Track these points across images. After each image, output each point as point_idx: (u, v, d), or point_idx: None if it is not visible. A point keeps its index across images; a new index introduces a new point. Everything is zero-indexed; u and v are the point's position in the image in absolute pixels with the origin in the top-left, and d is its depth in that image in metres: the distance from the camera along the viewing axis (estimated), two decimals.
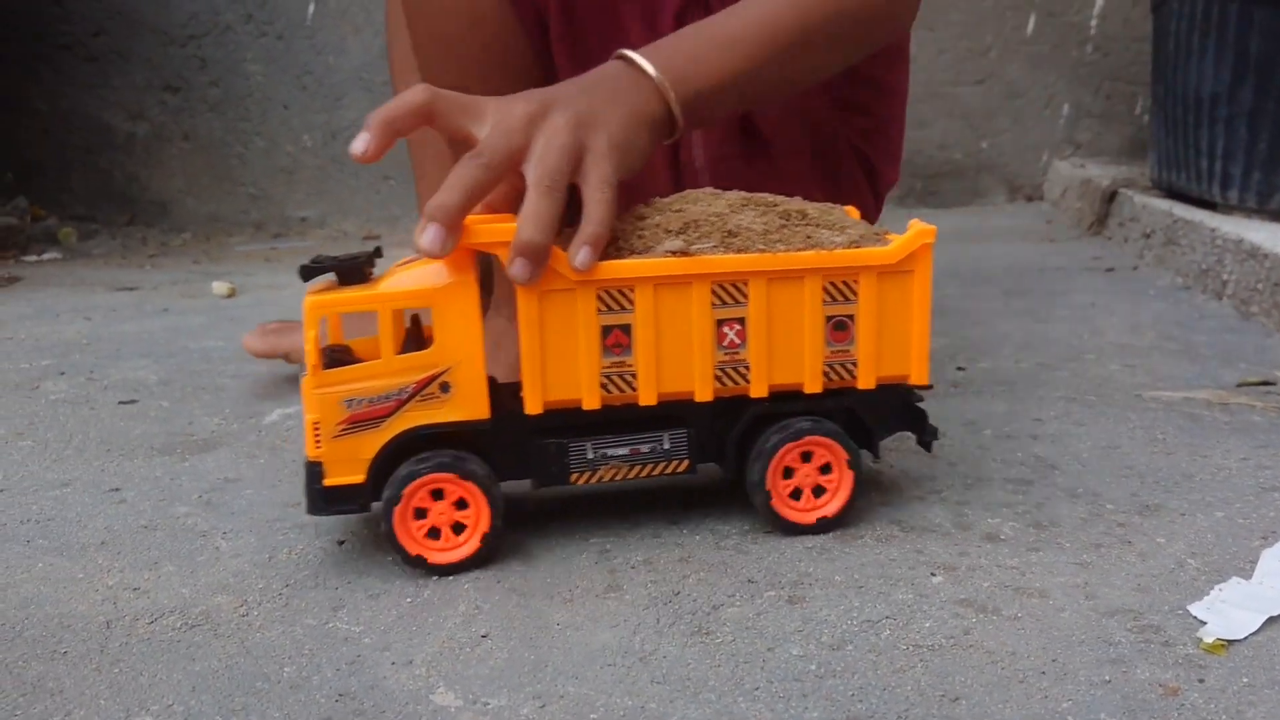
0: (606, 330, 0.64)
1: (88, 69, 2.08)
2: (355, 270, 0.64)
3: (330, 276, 0.64)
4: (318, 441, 0.62)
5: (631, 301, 0.63)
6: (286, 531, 0.71)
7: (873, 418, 0.68)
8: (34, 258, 1.82)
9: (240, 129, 2.11)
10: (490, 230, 0.61)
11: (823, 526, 0.67)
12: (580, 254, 0.61)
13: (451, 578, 0.64)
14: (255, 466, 0.83)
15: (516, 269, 0.60)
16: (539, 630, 0.57)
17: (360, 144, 0.61)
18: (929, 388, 0.69)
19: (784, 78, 0.74)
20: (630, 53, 0.68)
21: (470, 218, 0.61)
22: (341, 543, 0.69)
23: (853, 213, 0.74)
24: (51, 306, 1.44)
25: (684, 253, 0.63)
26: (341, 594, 0.62)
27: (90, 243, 1.97)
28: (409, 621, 0.59)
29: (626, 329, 0.64)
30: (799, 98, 0.92)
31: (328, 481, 0.63)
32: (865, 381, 0.67)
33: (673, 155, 0.92)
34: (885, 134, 1.01)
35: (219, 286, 1.53)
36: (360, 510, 0.64)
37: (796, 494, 0.67)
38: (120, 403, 1.01)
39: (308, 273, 0.63)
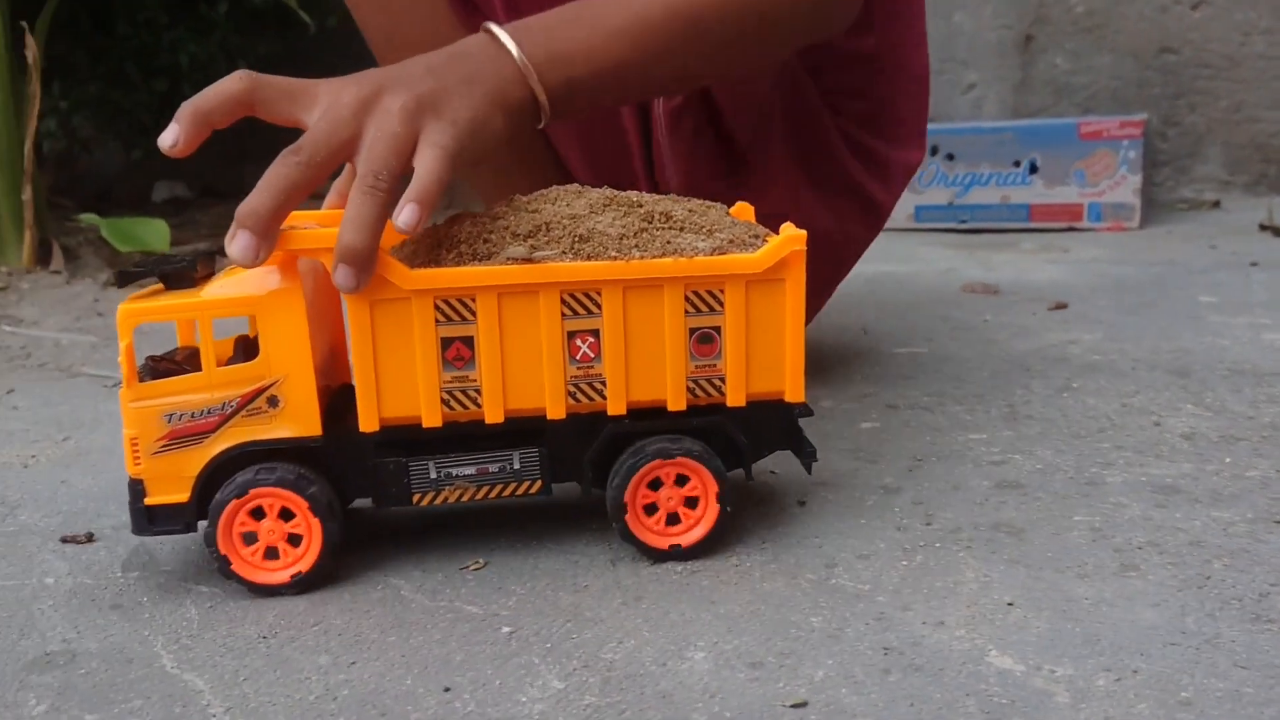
0: (446, 342, 0.59)
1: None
2: (181, 275, 0.59)
3: (154, 281, 0.60)
4: (137, 458, 0.59)
5: (473, 312, 0.59)
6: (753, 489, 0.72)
7: (745, 437, 0.63)
8: None
9: None
10: (308, 236, 0.57)
11: (678, 554, 0.62)
12: (403, 212, 0.55)
13: (939, 545, 0.63)
14: None
15: (339, 277, 0.55)
16: (1067, 603, 0.56)
17: (169, 136, 0.56)
18: (806, 408, 0.64)
19: (676, 72, 0.68)
20: (494, 27, 0.62)
21: (292, 221, 0.56)
22: (802, 502, 0.70)
23: (744, 211, 0.69)
24: None
25: (527, 259, 0.58)
26: (830, 552, 0.63)
27: None
28: (916, 583, 0.58)
29: (469, 341, 0.59)
30: (777, 96, 0.86)
31: (150, 500, 0.59)
32: (735, 398, 0.62)
33: (649, 178, 0.86)
34: (893, 114, 0.94)
35: None
36: (185, 530, 0.60)
37: (652, 511, 0.62)
38: None
39: (125, 278, 0.59)
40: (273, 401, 0.59)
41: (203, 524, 0.60)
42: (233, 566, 0.59)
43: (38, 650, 0.55)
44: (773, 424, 0.64)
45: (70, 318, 1.44)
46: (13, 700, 0.50)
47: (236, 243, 0.54)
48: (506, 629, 0.55)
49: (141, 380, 0.58)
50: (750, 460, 0.64)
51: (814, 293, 0.96)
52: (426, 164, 0.56)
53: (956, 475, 0.74)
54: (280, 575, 0.60)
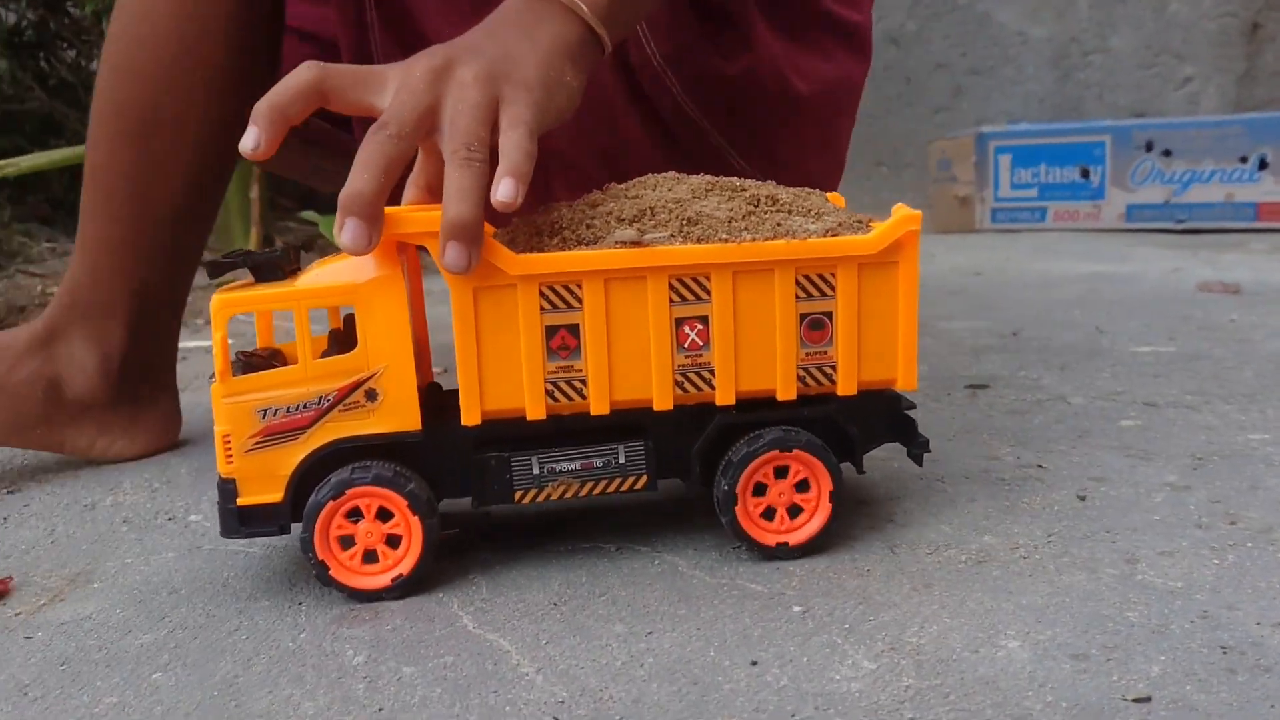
0: (551, 330, 0.57)
1: None
2: (272, 265, 0.57)
3: (244, 273, 0.58)
4: (229, 456, 0.56)
5: (579, 298, 0.57)
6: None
7: (856, 427, 0.61)
8: None
9: None
10: (415, 217, 0.54)
11: (784, 552, 0.60)
12: (501, 187, 0.52)
13: (1251, 545, 0.59)
14: None
15: (449, 256, 0.53)
16: None
17: (249, 140, 0.54)
18: (909, 401, 0.61)
19: None
20: None
21: (394, 209, 0.54)
22: (1082, 497, 0.67)
23: (836, 199, 0.67)
24: None
25: (636, 243, 0.56)
26: (1126, 548, 0.60)
27: None
28: (1238, 583, 0.55)
29: (574, 329, 0.57)
30: None
31: (242, 500, 0.57)
32: (846, 387, 0.60)
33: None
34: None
35: None
36: (280, 532, 0.57)
37: (769, 513, 0.60)
38: None
39: (216, 269, 0.57)
40: (371, 395, 0.56)
41: (297, 526, 0.57)
42: (331, 573, 0.56)
43: (342, 606, 0.57)
44: (883, 414, 0.62)
45: None
46: (331, 650, 0.52)
47: (346, 231, 0.52)
48: (797, 608, 0.54)
49: (235, 375, 0.56)
50: (861, 452, 0.62)
51: (838, 151, 0.93)
52: (511, 138, 0.54)
53: (1249, 475, 0.70)
54: (380, 579, 0.57)
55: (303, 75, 0.55)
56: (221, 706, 0.47)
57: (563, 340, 0.57)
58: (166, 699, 0.48)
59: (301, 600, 0.58)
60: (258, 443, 0.56)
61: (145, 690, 0.49)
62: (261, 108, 0.54)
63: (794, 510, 0.60)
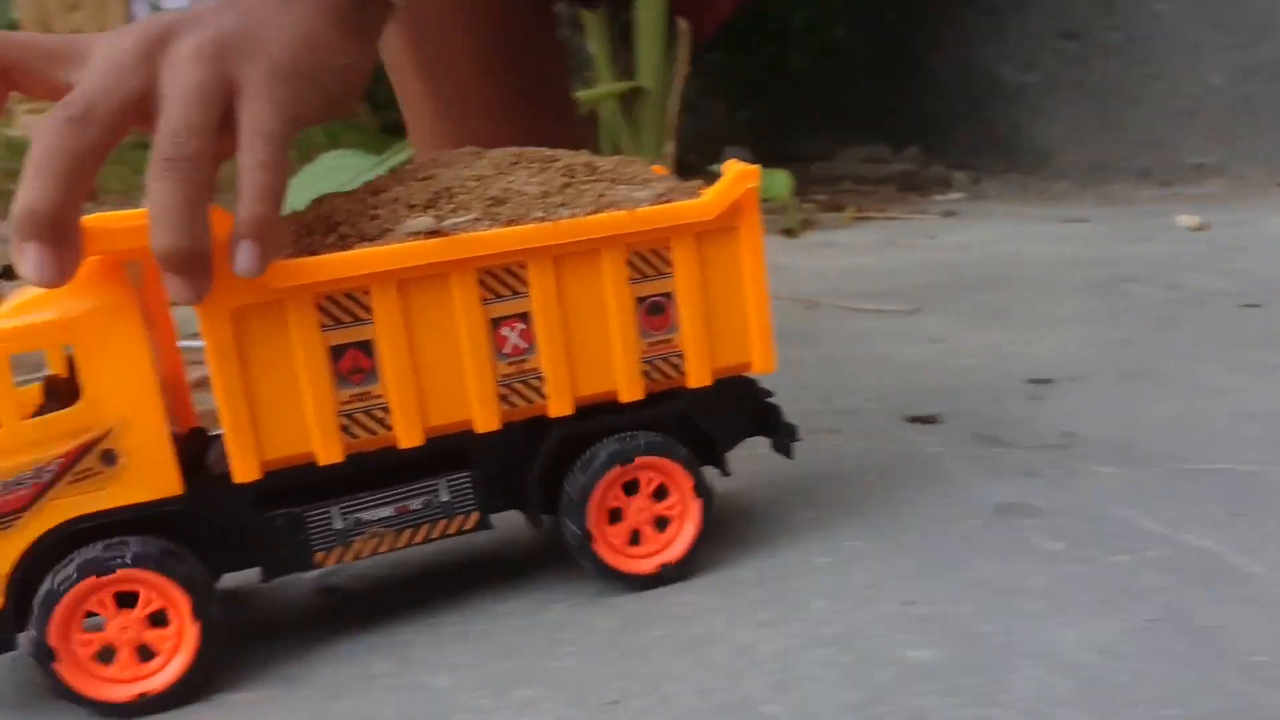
0: (338, 351, 0.46)
1: (986, 22, 2.08)
2: None
3: None
4: None
5: (368, 308, 0.46)
6: None
7: (713, 423, 0.53)
8: (941, 197, 1.87)
9: (1138, 71, 1.97)
10: (124, 228, 0.42)
11: (669, 574, 0.51)
12: (239, 255, 0.41)
13: None
14: None
15: (171, 288, 0.41)
16: None
17: None
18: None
19: None
20: None
21: (93, 219, 0.42)
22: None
23: (658, 169, 0.59)
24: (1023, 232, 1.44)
25: (434, 232, 0.46)
26: None
27: (979, 188, 1.96)
28: None
29: (367, 347, 0.46)
30: None
31: None
32: (698, 377, 0.52)
33: None
34: None
35: (1185, 220, 1.43)
36: (3, 650, 0.44)
37: (632, 537, 0.51)
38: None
39: None
40: (108, 458, 0.44)
41: (24, 636, 0.44)
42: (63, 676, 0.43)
43: None
44: (742, 405, 0.54)
45: None
46: None
47: (28, 261, 0.39)
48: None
49: None
50: (723, 451, 0.54)
51: None
52: (248, 174, 0.42)
53: None
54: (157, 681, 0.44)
55: None
56: None
57: (354, 362, 0.46)
58: None
59: None
60: None
61: None
62: None
63: (661, 523, 0.51)
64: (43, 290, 0.43)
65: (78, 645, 0.44)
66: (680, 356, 0.51)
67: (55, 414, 0.43)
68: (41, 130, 0.39)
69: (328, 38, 0.46)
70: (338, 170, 1.38)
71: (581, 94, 1.56)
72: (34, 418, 0.43)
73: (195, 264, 0.41)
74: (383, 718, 0.43)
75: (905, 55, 2.22)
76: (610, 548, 0.50)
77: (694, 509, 0.51)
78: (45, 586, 0.43)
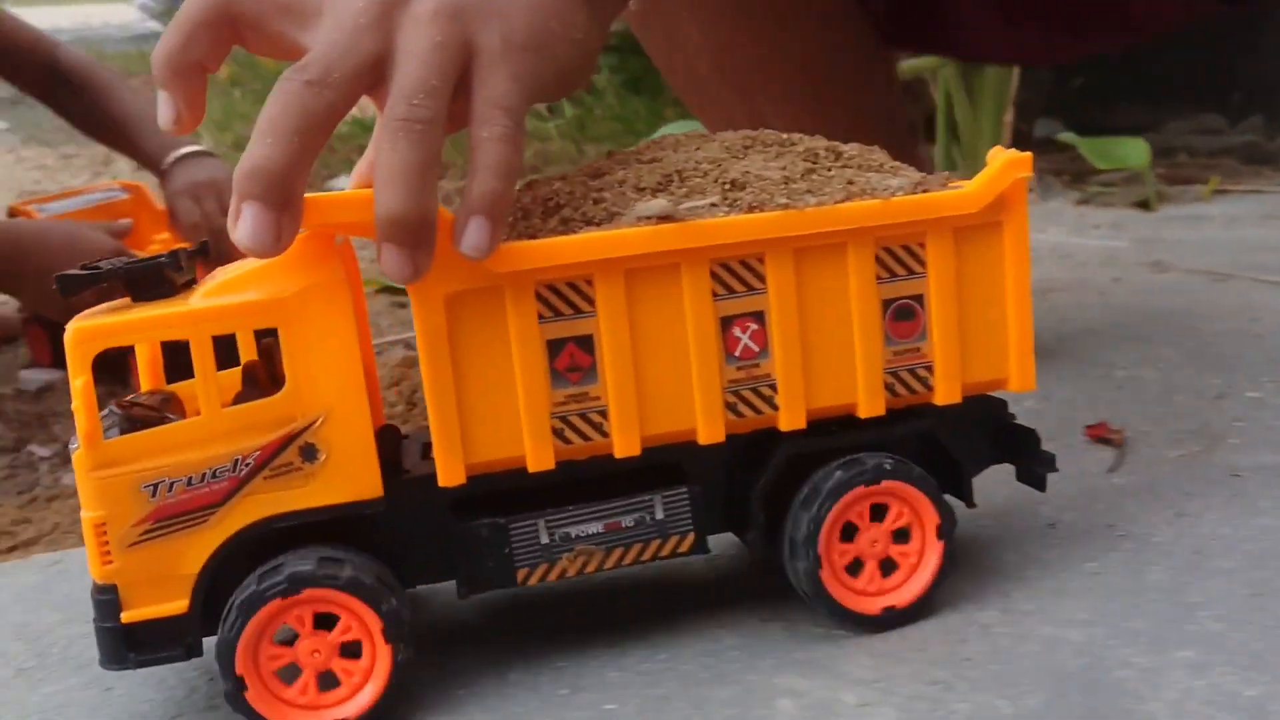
0: (555, 346, 0.41)
1: None
2: (154, 276, 0.40)
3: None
4: (106, 554, 0.39)
5: (591, 300, 0.41)
6: None
7: (961, 445, 0.46)
8: None
9: None
10: (348, 200, 0.38)
11: (892, 619, 0.45)
12: (469, 231, 0.37)
13: None
14: None
15: (386, 262, 0.37)
16: None
17: (164, 114, 0.40)
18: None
19: None
20: None
21: (317, 195, 0.38)
22: None
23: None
24: None
25: (668, 217, 0.41)
26: None
27: None
28: None
29: (586, 343, 0.41)
30: None
31: (128, 615, 0.40)
32: (947, 393, 0.45)
33: None
34: None
35: None
36: (187, 656, 0.41)
37: (855, 567, 0.45)
38: None
39: (71, 285, 0.40)
40: (309, 453, 0.40)
41: (211, 642, 0.40)
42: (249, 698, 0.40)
43: None
44: (988, 426, 0.48)
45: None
46: None
47: (244, 221, 0.36)
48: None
49: (108, 436, 0.39)
50: (970, 477, 0.47)
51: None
52: (485, 148, 0.38)
53: None
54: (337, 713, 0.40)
55: (199, 5, 0.39)
56: None
57: (572, 358, 0.41)
58: None
59: None
60: (147, 531, 0.39)
61: None
62: (158, 64, 0.39)
63: (887, 566, 0.45)
64: (248, 269, 0.40)
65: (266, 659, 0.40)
66: (928, 369, 0.45)
67: (257, 402, 0.40)
68: (276, 92, 0.36)
69: (563, 9, 0.42)
70: None
71: (913, 63, 1.47)
72: (235, 404, 0.40)
73: (420, 235, 0.37)
74: None
75: (1240, 22, 2.01)
76: (838, 581, 0.44)
77: (934, 548, 0.45)
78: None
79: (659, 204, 0.41)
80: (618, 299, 0.41)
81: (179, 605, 0.40)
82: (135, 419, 0.40)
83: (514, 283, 0.40)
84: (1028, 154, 0.44)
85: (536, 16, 0.41)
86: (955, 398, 0.45)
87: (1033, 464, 0.48)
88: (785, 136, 0.46)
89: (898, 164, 0.46)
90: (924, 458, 0.46)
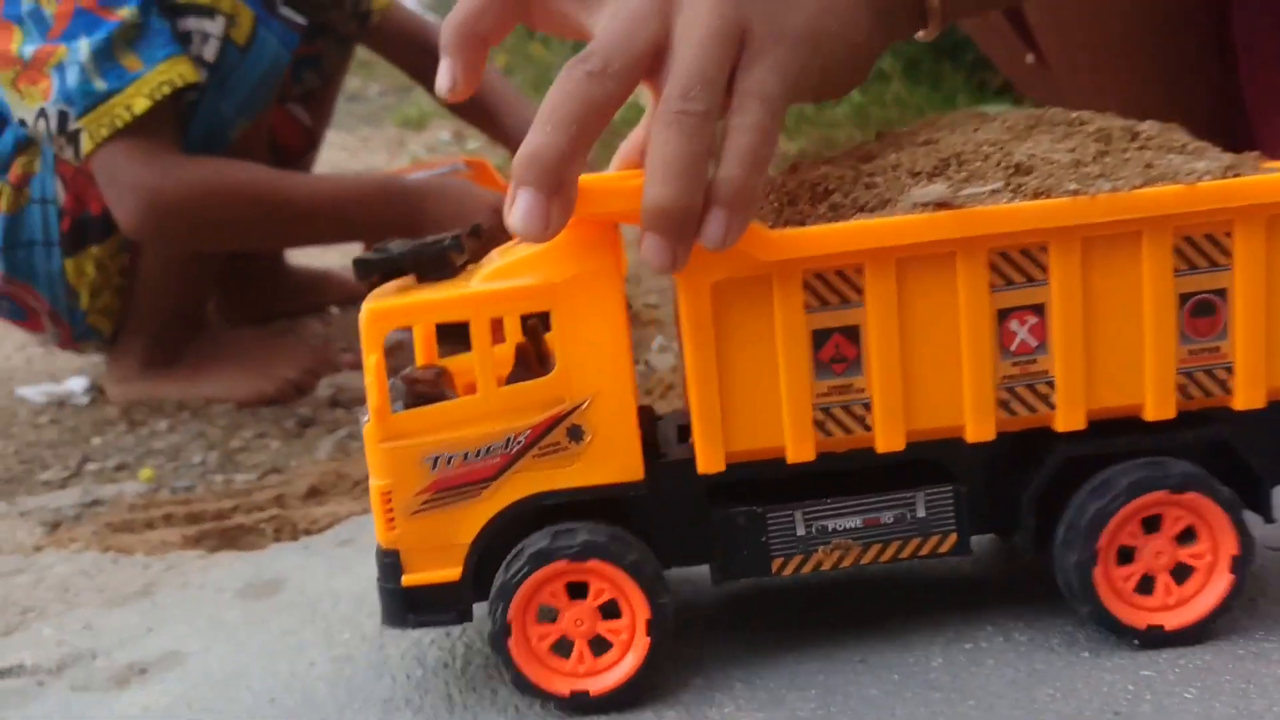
0: (821, 337, 0.40)
1: None
2: (439, 259, 0.43)
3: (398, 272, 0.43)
4: (390, 520, 0.42)
5: (860, 290, 0.40)
6: None
7: (1262, 455, 0.42)
8: None
9: None
10: (622, 188, 0.39)
11: (1157, 638, 0.42)
12: (710, 224, 0.37)
13: None
14: None
15: (647, 251, 0.37)
16: None
17: (443, 78, 0.41)
18: None
19: None
20: None
21: (591, 177, 0.39)
22: None
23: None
24: None
25: (946, 204, 0.39)
26: None
27: None
28: None
29: (853, 334, 0.40)
30: None
31: (409, 578, 0.42)
32: (1248, 398, 0.41)
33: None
34: None
35: None
36: (458, 620, 0.43)
37: (1144, 584, 0.42)
38: None
39: (366, 268, 0.42)
40: (575, 433, 0.41)
41: (481, 609, 0.42)
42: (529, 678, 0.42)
43: None
44: None
45: None
46: None
47: (519, 206, 0.37)
48: None
49: (395, 410, 0.42)
50: (1269, 490, 0.43)
51: None
52: (736, 136, 0.37)
53: None
54: (598, 681, 0.42)
55: None
56: None
57: (837, 350, 0.40)
58: None
59: None
60: (428, 501, 0.41)
61: None
62: (447, 32, 0.41)
63: (1180, 573, 0.42)
64: (525, 253, 0.41)
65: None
66: (1228, 369, 0.41)
67: (529, 382, 0.41)
68: (558, 81, 0.37)
69: (848, 10, 0.41)
70: None
71: None
72: (509, 384, 0.42)
73: (685, 226, 0.36)
74: None
75: None
76: (1115, 592, 0.42)
77: (1223, 574, 0.41)
78: None
79: (936, 190, 0.39)
80: (888, 289, 0.40)
81: (453, 572, 0.42)
82: (419, 394, 0.43)
83: (782, 271, 0.39)
84: None
85: (817, 11, 0.40)
86: (1258, 403, 0.41)
87: None
88: (1075, 115, 0.43)
89: (1202, 144, 0.42)
90: (1220, 467, 0.42)
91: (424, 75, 1.11)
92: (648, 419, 0.48)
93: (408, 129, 2.21)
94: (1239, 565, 0.41)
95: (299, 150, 1.11)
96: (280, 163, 0.99)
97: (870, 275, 0.40)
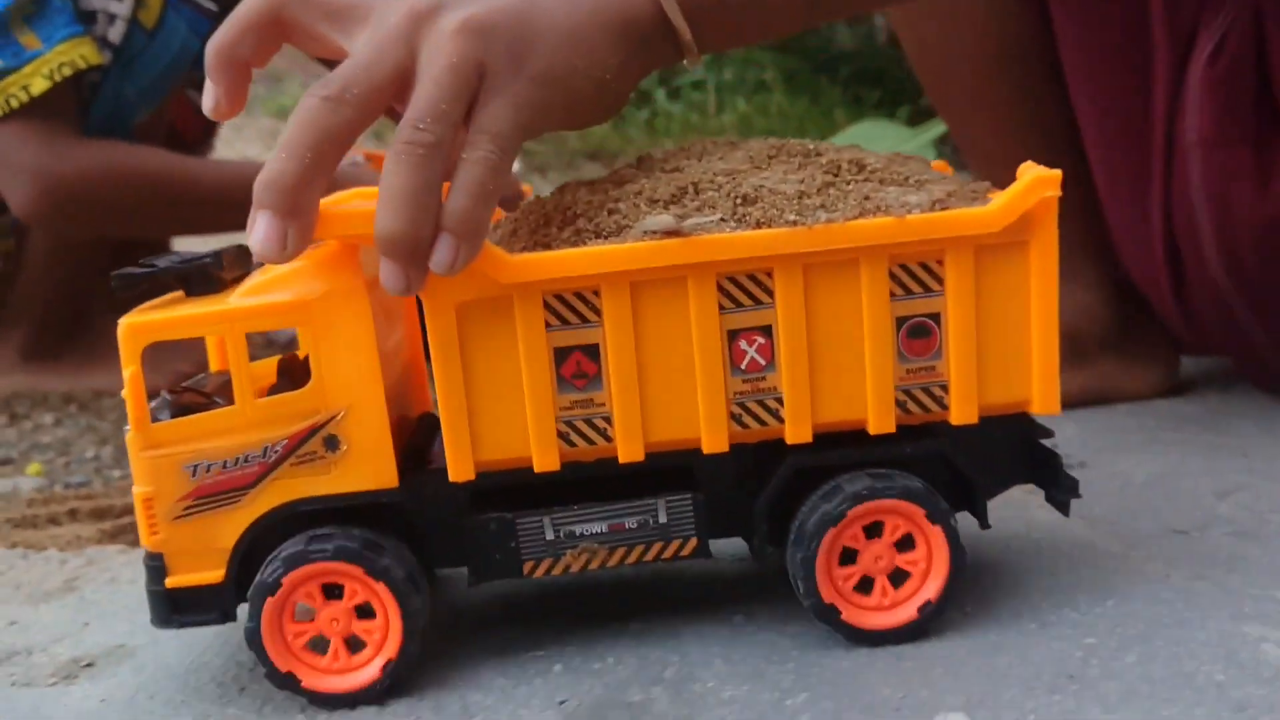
0: (562, 354, 0.43)
1: None
2: (203, 275, 0.44)
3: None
4: (153, 525, 0.43)
5: (598, 310, 0.42)
6: None
7: (976, 466, 0.46)
8: None
9: None
10: (357, 214, 0.41)
11: (892, 638, 0.45)
12: (439, 250, 0.39)
13: None
14: None
15: (383, 275, 0.39)
16: None
17: (207, 99, 0.43)
18: (1044, 428, 0.46)
19: None
20: None
21: (331, 203, 0.41)
22: None
23: (941, 166, 0.51)
24: None
25: (673, 232, 0.42)
26: None
27: None
28: None
29: (592, 351, 0.43)
30: None
31: (172, 580, 0.44)
32: (962, 413, 0.44)
33: (1167, 124, 0.67)
34: None
35: None
36: (220, 620, 0.45)
37: (864, 586, 0.45)
38: None
39: (124, 282, 0.44)
40: (331, 443, 0.43)
41: (244, 611, 0.44)
42: (302, 683, 0.44)
43: None
44: (1011, 446, 0.47)
45: None
46: None
47: (256, 228, 0.39)
48: None
49: (156, 420, 0.43)
50: (985, 499, 0.46)
51: None
52: (463, 170, 0.39)
53: None
54: (366, 674, 0.44)
55: (256, 1, 0.42)
56: None
57: (578, 366, 0.43)
58: None
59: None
60: (189, 507, 0.43)
61: None
62: (209, 55, 0.42)
63: (898, 576, 0.45)
64: (280, 272, 0.43)
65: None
66: (944, 388, 0.44)
67: (286, 395, 0.43)
68: (298, 107, 0.39)
69: (596, 46, 0.42)
70: (875, 140, 1.28)
71: None
72: (267, 396, 0.43)
73: (413, 253, 0.39)
74: None
75: None
76: (837, 592, 0.45)
77: (941, 570, 0.45)
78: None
79: (664, 219, 0.41)
80: (623, 310, 0.42)
81: (216, 575, 0.44)
82: (182, 405, 0.45)
83: (522, 292, 0.42)
84: (1056, 171, 0.42)
85: (562, 48, 0.41)
86: (971, 418, 0.44)
87: (1056, 490, 0.46)
88: (812, 146, 0.46)
89: (933, 175, 0.45)
90: (939, 477, 0.45)
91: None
92: (429, 427, 0.50)
93: (280, 119, 2.20)
94: (951, 574, 0.44)
95: (196, 138, 1.09)
96: (177, 150, 0.97)
97: (606, 297, 0.42)
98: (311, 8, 0.42)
